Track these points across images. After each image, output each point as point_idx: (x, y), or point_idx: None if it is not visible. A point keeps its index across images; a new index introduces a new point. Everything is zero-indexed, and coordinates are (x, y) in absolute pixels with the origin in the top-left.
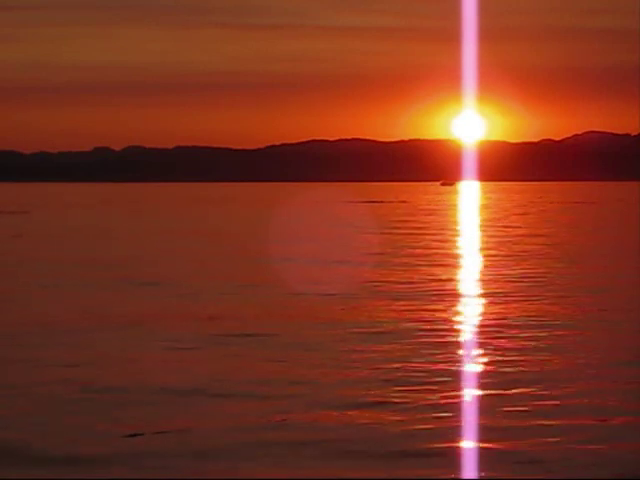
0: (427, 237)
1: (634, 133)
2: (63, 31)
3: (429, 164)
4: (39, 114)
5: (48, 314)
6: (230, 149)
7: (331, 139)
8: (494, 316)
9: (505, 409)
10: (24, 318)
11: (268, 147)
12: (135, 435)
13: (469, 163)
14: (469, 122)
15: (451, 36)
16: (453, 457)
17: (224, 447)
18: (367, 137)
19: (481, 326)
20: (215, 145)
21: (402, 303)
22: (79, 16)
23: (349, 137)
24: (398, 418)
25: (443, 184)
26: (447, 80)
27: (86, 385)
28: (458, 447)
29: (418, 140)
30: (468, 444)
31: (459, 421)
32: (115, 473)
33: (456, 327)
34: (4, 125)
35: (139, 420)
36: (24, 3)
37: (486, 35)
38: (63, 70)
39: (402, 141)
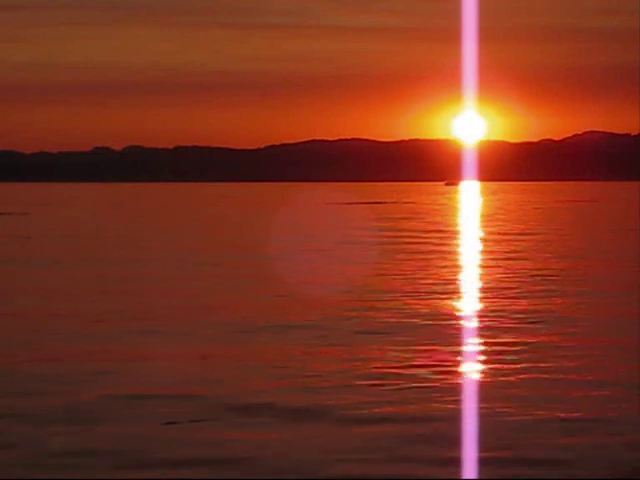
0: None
1: (634, 133)
2: (63, 31)
3: (429, 164)
4: (39, 114)
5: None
6: (230, 149)
7: (331, 139)
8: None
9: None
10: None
11: (268, 147)
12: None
13: (469, 163)
14: (469, 122)
15: (451, 36)
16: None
17: None
18: (367, 137)
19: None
20: (215, 145)
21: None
22: (79, 16)
23: (349, 137)
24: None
25: (447, 184)
26: (447, 80)
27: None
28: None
29: (418, 140)
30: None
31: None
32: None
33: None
34: (4, 125)
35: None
36: (24, 3)
37: (486, 35)
38: (63, 70)
39: (402, 141)
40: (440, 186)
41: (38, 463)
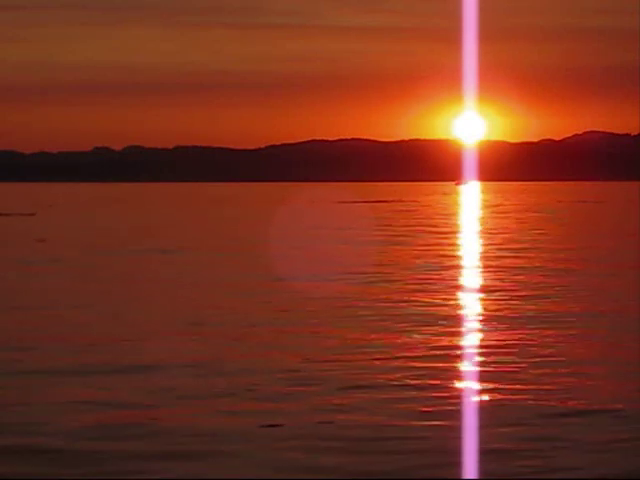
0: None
1: (634, 133)
2: (63, 31)
3: (429, 164)
4: (39, 114)
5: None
6: (230, 149)
7: (331, 139)
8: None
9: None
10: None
11: (268, 147)
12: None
13: (470, 163)
14: (469, 122)
15: (452, 36)
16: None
17: None
18: (367, 137)
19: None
20: (215, 145)
21: None
22: (79, 16)
23: (349, 137)
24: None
25: (457, 184)
26: (448, 80)
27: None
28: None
29: (418, 140)
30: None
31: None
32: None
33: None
34: (4, 125)
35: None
36: (24, 3)
37: (486, 35)
38: (63, 70)
39: (402, 141)
40: (451, 186)
41: None
